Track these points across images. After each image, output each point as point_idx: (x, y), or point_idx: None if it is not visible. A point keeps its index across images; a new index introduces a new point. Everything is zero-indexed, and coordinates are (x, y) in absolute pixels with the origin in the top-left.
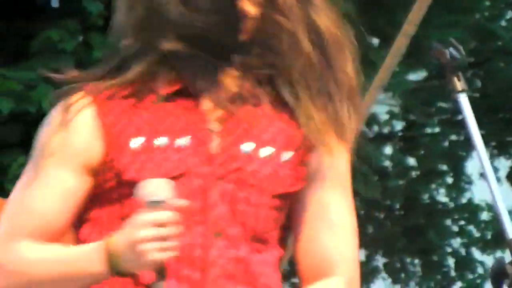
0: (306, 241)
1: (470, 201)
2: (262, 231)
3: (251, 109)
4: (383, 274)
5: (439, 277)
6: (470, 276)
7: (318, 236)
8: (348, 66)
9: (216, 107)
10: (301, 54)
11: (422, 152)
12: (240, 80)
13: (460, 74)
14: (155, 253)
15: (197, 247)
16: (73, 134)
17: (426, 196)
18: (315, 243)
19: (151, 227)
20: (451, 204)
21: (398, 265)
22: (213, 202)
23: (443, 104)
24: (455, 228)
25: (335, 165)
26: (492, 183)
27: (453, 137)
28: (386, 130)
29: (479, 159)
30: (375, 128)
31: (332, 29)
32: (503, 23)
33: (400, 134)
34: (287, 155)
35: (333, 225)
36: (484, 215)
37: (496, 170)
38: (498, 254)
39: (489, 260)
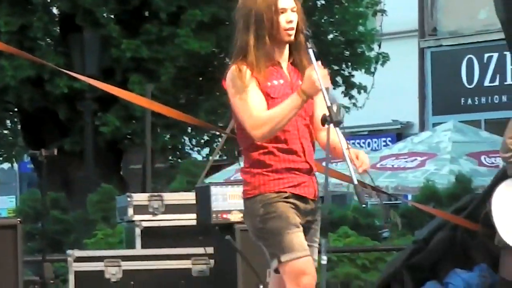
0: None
1: None
2: (310, 113)
3: (294, 67)
4: None
5: None
6: None
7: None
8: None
9: (287, 68)
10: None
11: None
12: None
13: (310, 41)
14: (320, 83)
15: (294, 121)
16: (248, 78)
17: None
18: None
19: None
20: None
21: None
22: None
23: None
24: None
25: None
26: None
27: None
28: None
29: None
30: None
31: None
32: None
33: None
34: None
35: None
36: None
37: None
38: None
39: None
